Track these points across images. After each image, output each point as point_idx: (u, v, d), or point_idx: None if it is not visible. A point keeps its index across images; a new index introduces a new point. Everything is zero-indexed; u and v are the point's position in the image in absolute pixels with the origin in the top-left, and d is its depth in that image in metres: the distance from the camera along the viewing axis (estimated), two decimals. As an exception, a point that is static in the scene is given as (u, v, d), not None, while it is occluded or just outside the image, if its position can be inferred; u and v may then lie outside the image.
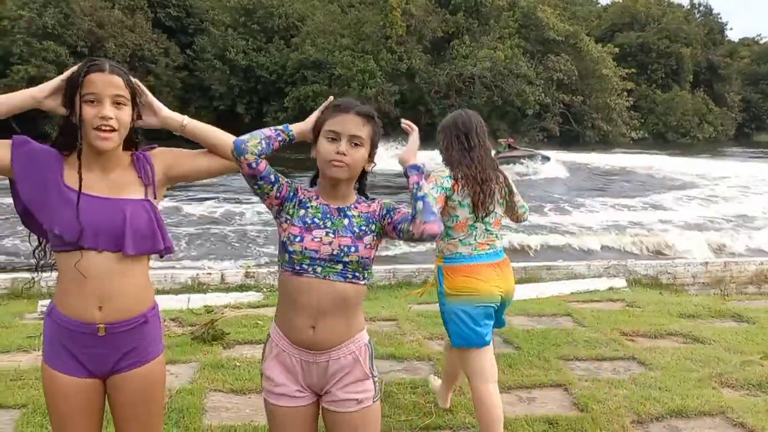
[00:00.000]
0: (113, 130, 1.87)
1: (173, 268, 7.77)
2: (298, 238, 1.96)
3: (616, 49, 44.41)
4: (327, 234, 1.98)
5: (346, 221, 2.01)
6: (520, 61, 38.23)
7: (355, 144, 1.96)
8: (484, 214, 3.01)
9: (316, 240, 1.96)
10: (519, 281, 6.91)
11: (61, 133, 1.94)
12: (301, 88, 35.41)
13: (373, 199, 2.12)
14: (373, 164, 2.06)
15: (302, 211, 2.01)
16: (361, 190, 2.12)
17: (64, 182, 1.89)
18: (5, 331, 4.92)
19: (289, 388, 2.01)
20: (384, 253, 10.55)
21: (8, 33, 31.16)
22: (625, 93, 43.25)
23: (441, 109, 37.48)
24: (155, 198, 2.00)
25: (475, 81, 37.30)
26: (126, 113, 1.92)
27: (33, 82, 30.16)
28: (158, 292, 6.21)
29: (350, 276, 1.99)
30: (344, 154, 1.94)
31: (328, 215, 2.01)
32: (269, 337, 2.09)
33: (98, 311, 1.88)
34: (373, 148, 2.03)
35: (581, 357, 4.55)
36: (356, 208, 2.05)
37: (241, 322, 5.20)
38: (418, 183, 2.01)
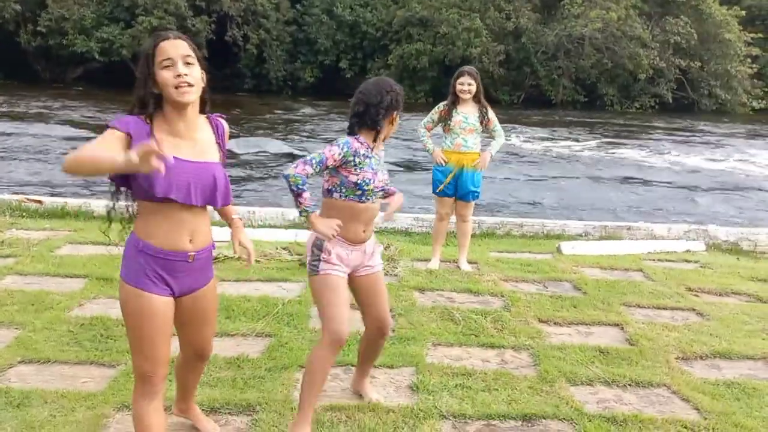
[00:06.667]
0: (190, 85, 2.20)
1: (280, 206, 8.65)
2: (372, 181, 2.89)
3: (743, 12, 41.37)
4: (383, 174, 2.98)
5: (382, 161, 3.03)
6: (635, 22, 36.60)
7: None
8: None
9: (380, 180, 2.95)
10: (599, 238, 7.31)
11: (140, 105, 2.23)
12: (405, 46, 35.69)
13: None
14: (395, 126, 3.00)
15: (368, 160, 2.89)
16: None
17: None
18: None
19: (343, 268, 2.95)
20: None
21: (135, -14, 33.27)
22: (749, 60, 40.44)
23: (547, 71, 36.68)
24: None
25: (585, 42, 36.20)
26: (197, 70, 2.24)
27: (155, 32, 32.19)
28: (271, 227, 7.07)
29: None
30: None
31: (378, 161, 2.96)
32: (319, 242, 2.90)
33: (189, 243, 2.34)
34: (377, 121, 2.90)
35: (643, 305, 4.97)
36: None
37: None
38: None
